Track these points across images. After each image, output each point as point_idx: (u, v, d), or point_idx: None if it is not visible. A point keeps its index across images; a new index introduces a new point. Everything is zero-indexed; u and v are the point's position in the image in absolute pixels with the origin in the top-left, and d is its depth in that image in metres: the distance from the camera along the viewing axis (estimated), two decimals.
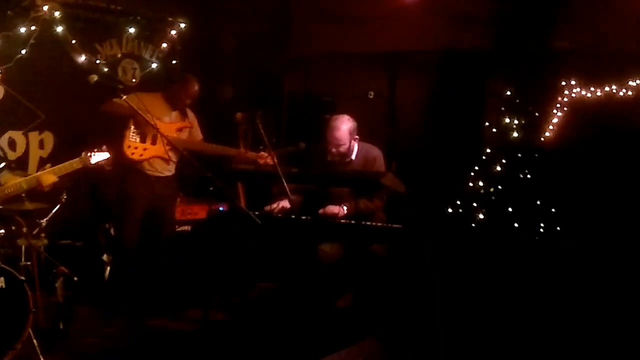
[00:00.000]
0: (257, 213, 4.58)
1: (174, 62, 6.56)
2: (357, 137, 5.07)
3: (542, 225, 6.31)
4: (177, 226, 5.85)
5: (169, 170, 5.52)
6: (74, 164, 4.29)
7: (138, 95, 5.30)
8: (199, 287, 5.43)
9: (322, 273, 5.00)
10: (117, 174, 5.28)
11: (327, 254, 5.00)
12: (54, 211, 5.05)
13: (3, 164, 4.24)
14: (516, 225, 6.30)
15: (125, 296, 5.31)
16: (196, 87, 5.49)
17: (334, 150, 5.03)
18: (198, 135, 5.63)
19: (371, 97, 7.02)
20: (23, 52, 5.58)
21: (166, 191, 5.51)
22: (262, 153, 5.51)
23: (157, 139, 5.29)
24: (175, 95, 5.45)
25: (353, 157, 5.12)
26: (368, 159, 5.10)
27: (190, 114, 5.64)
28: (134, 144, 5.25)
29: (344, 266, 4.94)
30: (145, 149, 5.28)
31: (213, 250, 5.45)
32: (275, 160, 5.07)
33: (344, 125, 5.01)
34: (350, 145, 5.05)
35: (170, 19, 6.49)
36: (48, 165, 4.21)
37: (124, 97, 4.81)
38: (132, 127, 5.28)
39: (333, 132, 5.00)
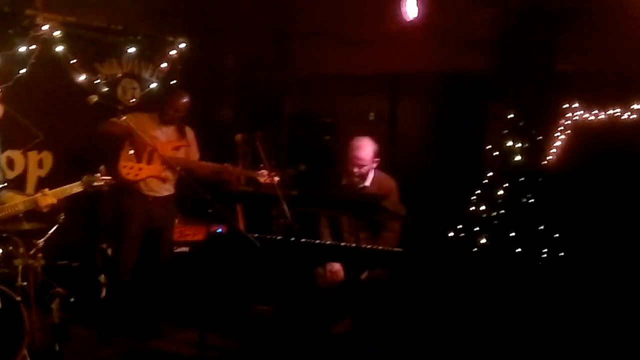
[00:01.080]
0: (256, 235, 4.62)
1: (173, 82, 6.62)
2: (377, 160, 5.16)
3: (545, 250, 6.32)
4: (175, 247, 5.90)
5: (166, 190, 5.57)
6: (74, 188, 4.33)
7: (135, 115, 5.38)
8: (196, 310, 5.45)
9: (320, 297, 5.04)
10: (114, 195, 5.31)
11: (323, 278, 5.07)
12: (51, 231, 5.06)
13: (2, 185, 4.28)
14: (519, 250, 6.31)
15: (121, 318, 5.35)
16: (183, 100, 5.54)
17: (355, 170, 5.08)
18: (195, 154, 5.68)
19: (372, 119, 7.07)
20: (23, 71, 5.65)
21: (164, 212, 5.56)
22: (263, 171, 5.56)
23: (152, 159, 5.35)
24: (165, 111, 5.50)
25: (368, 183, 5.17)
26: (383, 187, 5.13)
27: (189, 132, 5.70)
28: (129, 164, 5.31)
29: (343, 290, 4.98)
30: (140, 169, 5.35)
31: (211, 272, 5.49)
32: (276, 180, 5.16)
33: (369, 147, 5.10)
34: (369, 169, 5.13)
35: (170, 39, 6.59)
36: (46, 189, 4.24)
37: (123, 117, 4.88)
38: (128, 147, 5.35)
39: (357, 151, 5.07)
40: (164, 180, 5.46)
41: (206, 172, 5.51)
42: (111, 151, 5.36)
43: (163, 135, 5.53)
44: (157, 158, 5.34)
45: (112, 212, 5.58)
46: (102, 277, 5.76)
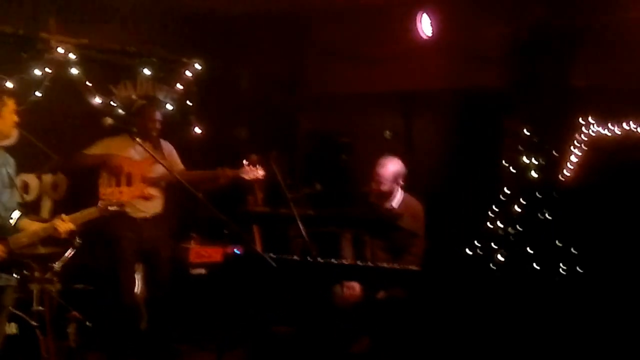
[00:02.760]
0: (272, 256, 4.54)
1: (188, 103, 6.60)
2: (401, 183, 5.14)
3: (562, 266, 6.21)
4: (191, 269, 5.84)
5: (154, 208, 5.53)
6: (92, 213, 4.25)
7: (106, 140, 5.40)
8: (214, 331, 5.38)
9: (338, 316, 4.96)
10: (101, 223, 5.23)
11: (341, 296, 5.03)
12: (67, 255, 5.04)
13: (22, 212, 4.21)
14: (536, 266, 6.21)
15: (133, 342, 5.26)
16: (155, 111, 5.56)
17: (374, 188, 5.08)
18: (177, 165, 5.60)
19: (387, 136, 7.01)
20: (37, 94, 5.62)
21: (155, 233, 5.52)
22: (246, 167, 5.52)
23: (131, 180, 5.32)
24: (140, 125, 5.47)
25: (395, 204, 5.17)
26: (409, 210, 5.13)
27: (166, 145, 5.67)
28: (108, 191, 5.18)
29: (361, 309, 4.90)
30: (121, 192, 5.24)
31: (228, 294, 5.43)
32: (261, 174, 5.01)
33: (392, 166, 5.14)
34: (392, 190, 5.11)
35: (185, 60, 6.55)
36: (63, 214, 4.15)
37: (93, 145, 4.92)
38: (104, 174, 5.33)
39: (378, 168, 5.11)
40: (148, 198, 5.36)
41: (199, 181, 5.42)
42: (89, 183, 5.35)
43: (137, 154, 5.47)
44: (137, 178, 5.31)
45: (102, 241, 5.49)
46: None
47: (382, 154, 5.32)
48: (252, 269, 5.03)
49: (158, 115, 5.58)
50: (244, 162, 5.57)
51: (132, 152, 5.50)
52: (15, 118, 4.14)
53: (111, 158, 5.27)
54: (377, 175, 5.13)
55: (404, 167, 5.22)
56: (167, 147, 5.67)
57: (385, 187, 5.11)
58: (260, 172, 5.52)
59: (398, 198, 5.22)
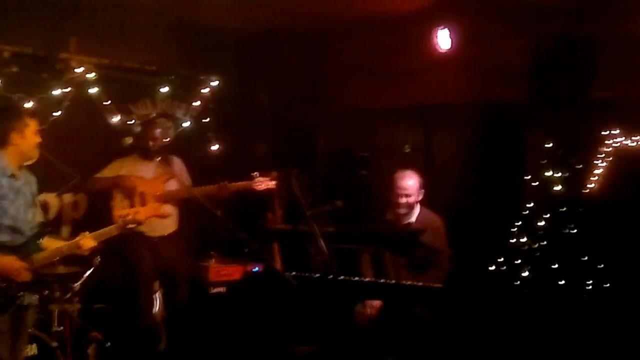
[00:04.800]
0: (293, 274, 4.49)
1: (207, 120, 6.60)
2: (420, 198, 5.09)
3: (589, 282, 6.10)
4: (211, 288, 5.80)
5: (170, 226, 5.53)
6: (113, 230, 4.28)
7: (116, 162, 5.45)
8: (233, 351, 5.34)
9: (362, 336, 4.89)
10: (120, 244, 5.23)
11: (363, 315, 4.95)
12: (87, 274, 5.02)
13: (49, 229, 4.24)
14: (562, 282, 6.11)
15: None
16: (158, 128, 5.56)
17: (402, 201, 5.01)
18: (187, 181, 5.59)
19: (407, 151, 6.96)
20: (58, 114, 5.65)
21: (172, 252, 5.50)
22: (258, 179, 5.49)
23: (145, 199, 5.32)
24: (144, 144, 5.45)
25: (413, 219, 5.08)
26: (428, 224, 5.02)
27: (176, 161, 5.65)
28: (124, 213, 5.21)
29: (384, 328, 4.83)
30: (137, 212, 5.25)
31: (249, 313, 5.38)
32: (273, 184, 5.06)
33: (414, 177, 5.07)
34: (415, 201, 5.05)
35: (202, 77, 6.56)
36: (87, 232, 4.17)
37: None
38: (117, 196, 5.34)
39: (402, 181, 5.03)
40: (164, 217, 5.36)
41: (204, 197, 5.40)
42: (108, 203, 5.37)
43: (148, 173, 5.48)
44: (150, 197, 5.31)
45: (120, 262, 5.48)
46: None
47: (402, 168, 5.26)
48: (272, 287, 5.01)
49: (160, 132, 5.57)
50: (254, 173, 5.53)
51: (143, 171, 5.50)
52: (38, 139, 4.15)
53: (122, 179, 5.31)
54: (402, 188, 5.04)
55: (421, 181, 5.16)
56: (177, 163, 5.66)
57: (412, 200, 5.04)
58: (271, 183, 5.48)
59: (416, 213, 5.15)
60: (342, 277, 4.62)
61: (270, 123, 7.14)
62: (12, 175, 4.04)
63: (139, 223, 4.43)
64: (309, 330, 5.14)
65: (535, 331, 5.48)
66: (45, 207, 5.72)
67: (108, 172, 5.48)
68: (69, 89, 5.70)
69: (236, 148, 6.72)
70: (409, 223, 5.11)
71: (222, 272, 6.00)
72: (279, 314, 5.36)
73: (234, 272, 6.01)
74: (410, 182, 5.06)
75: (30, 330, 4.24)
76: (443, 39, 6.28)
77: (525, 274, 6.22)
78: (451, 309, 4.88)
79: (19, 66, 5.48)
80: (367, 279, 5.00)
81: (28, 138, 4.09)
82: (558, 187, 6.37)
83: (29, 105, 5.48)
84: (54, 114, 5.65)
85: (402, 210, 5.08)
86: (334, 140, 7.43)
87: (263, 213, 5.99)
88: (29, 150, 4.12)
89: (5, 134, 4.04)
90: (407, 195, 5.04)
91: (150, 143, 5.47)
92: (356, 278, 4.82)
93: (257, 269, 5.82)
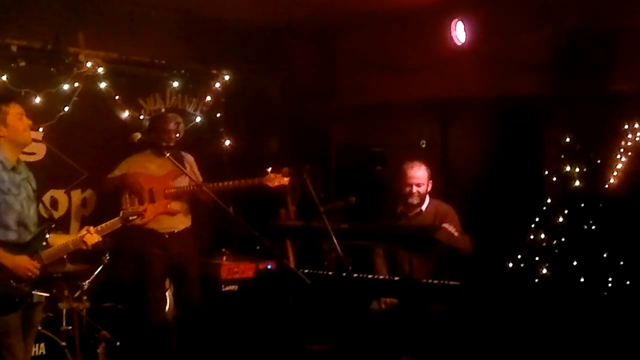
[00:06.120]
0: (306, 271, 4.43)
1: (218, 115, 6.56)
2: (429, 188, 5.17)
3: (610, 279, 6.01)
4: (223, 286, 5.75)
5: (181, 223, 5.51)
6: (115, 223, 4.23)
7: (127, 160, 5.43)
8: (246, 350, 5.31)
9: (377, 334, 4.82)
10: (131, 242, 5.26)
11: (378, 314, 4.93)
12: (96, 272, 5.01)
13: (53, 225, 4.18)
14: (582, 280, 6.02)
15: None
16: (172, 122, 5.51)
17: (414, 190, 5.07)
18: (198, 178, 5.54)
19: (423, 146, 6.90)
20: (66, 109, 5.64)
21: (183, 249, 5.48)
22: (270, 174, 5.46)
23: (154, 197, 5.30)
24: (158, 139, 5.42)
25: (424, 208, 5.16)
26: (439, 212, 5.13)
27: (187, 157, 5.62)
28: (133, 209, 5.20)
29: (400, 327, 4.76)
30: (145, 210, 5.21)
31: (261, 311, 5.34)
32: (286, 180, 5.19)
33: (424, 168, 5.14)
34: (426, 191, 5.13)
35: (214, 71, 6.53)
36: (91, 227, 4.12)
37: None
38: (126, 195, 5.31)
39: (412, 170, 5.10)
40: (173, 214, 5.35)
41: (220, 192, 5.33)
42: (114, 203, 5.35)
43: (159, 169, 5.45)
44: (159, 194, 5.31)
45: (130, 258, 5.46)
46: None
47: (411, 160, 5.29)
48: (285, 285, 4.95)
49: (173, 127, 5.52)
50: (268, 169, 5.50)
51: (153, 167, 5.47)
52: (28, 122, 4.05)
53: (130, 177, 5.30)
54: (413, 178, 5.09)
55: (431, 173, 5.21)
56: (188, 159, 5.62)
57: (423, 190, 5.09)
58: (285, 179, 5.45)
59: (426, 203, 5.20)
60: (355, 275, 4.60)
61: (282, 118, 7.12)
62: (13, 169, 3.98)
63: (141, 215, 4.41)
64: (322, 329, 5.10)
65: (554, 329, 5.44)
66: (53, 203, 5.69)
67: (118, 171, 5.47)
68: (77, 83, 5.67)
69: (248, 144, 6.68)
70: (420, 212, 5.14)
71: (234, 270, 5.95)
72: (292, 312, 5.31)
73: (246, 269, 5.96)
74: (420, 172, 5.12)
75: (38, 329, 4.22)
76: (459, 32, 6.22)
77: (544, 271, 6.16)
78: (468, 307, 4.81)
79: (27, 60, 5.45)
80: (381, 277, 4.96)
81: (12, 124, 3.96)
82: (577, 183, 6.29)
83: (37, 101, 5.46)
84: (63, 109, 5.62)
85: (414, 201, 5.13)
86: (348, 135, 7.37)
87: (276, 210, 5.95)
88: (19, 137, 4.01)
89: None
90: (417, 185, 5.10)
91: (164, 138, 5.43)
92: (370, 276, 4.80)
93: (269, 266, 5.77)
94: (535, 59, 6.29)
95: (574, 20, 6.20)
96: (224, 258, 6.02)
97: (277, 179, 5.50)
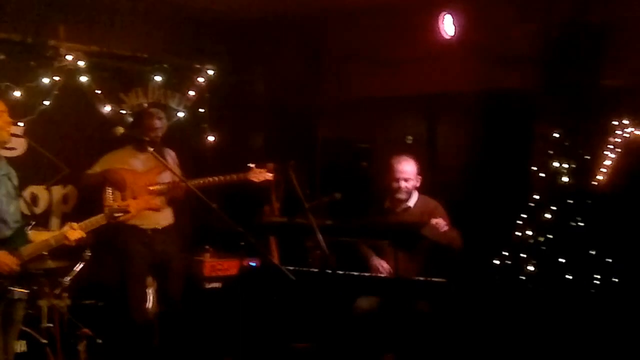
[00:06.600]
0: (290, 268, 4.52)
1: (201, 110, 6.60)
2: (417, 184, 5.24)
3: (597, 276, 6.11)
4: (206, 283, 5.82)
5: (164, 219, 5.55)
6: (99, 220, 4.27)
7: (106, 156, 5.45)
8: (229, 348, 5.36)
9: (361, 332, 4.91)
10: (111, 236, 5.28)
11: (363, 311, 4.98)
12: (77, 269, 5.04)
13: (32, 223, 4.24)
14: (569, 277, 6.12)
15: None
16: (157, 118, 5.55)
17: (402, 185, 5.13)
18: (179, 174, 5.60)
19: (409, 142, 6.96)
20: (46, 103, 5.65)
21: (165, 245, 5.52)
22: (254, 169, 5.55)
23: (137, 192, 5.32)
24: (143, 134, 5.43)
25: (411, 204, 5.22)
26: (428, 207, 5.19)
27: (170, 153, 5.67)
28: (114, 205, 5.24)
29: (384, 324, 4.84)
30: (127, 206, 5.25)
31: (245, 309, 5.40)
32: (270, 176, 5.22)
33: (412, 162, 5.21)
34: (414, 186, 5.19)
35: (197, 66, 6.55)
36: (74, 223, 4.17)
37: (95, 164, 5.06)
38: (108, 190, 5.34)
39: (400, 165, 5.16)
40: (157, 210, 5.37)
41: (203, 188, 5.37)
42: (98, 196, 5.39)
43: (141, 165, 5.49)
44: (142, 190, 5.33)
45: (112, 255, 5.50)
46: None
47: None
48: (269, 282, 4.99)
49: (159, 123, 5.57)
50: (251, 165, 5.56)
51: (135, 163, 5.51)
52: (7, 119, 4.06)
53: (111, 173, 5.32)
54: (401, 172, 5.16)
55: (418, 168, 5.26)
56: (170, 154, 5.67)
57: (411, 184, 5.16)
58: (269, 175, 5.52)
59: (414, 198, 5.25)
60: (340, 272, 4.69)
61: (267, 113, 7.14)
62: None
63: (126, 212, 4.44)
64: (307, 326, 5.17)
65: (540, 327, 5.48)
66: (34, 199, 5.71)
67: (98, 167, 5.47)
68: (58, 77, 5.68)
69: (232, 139, 6.71)
70: (407, 208, 5.18)
71: (218, 267, 6.00)
72: (276, 309, 5.39)
73: (230, 266, 6.01)
74: (408, 167, 5.18)
75: (20, 326, 4.24)
76: (447, 26, 6.24)
77: (531, 268, 6.23)
78: (454, 304, 4.90)
79: (6, 54, 5.46)
80: (366, 274, 5.03)
81: None
82: (565, 179, 6.35)
83: (17, 94, 5.48)
84: (43, 103, 5.64)
85: (402, 196, 5.18)
86: (334, 130, 7.38)
87: (260, 206, 6.01)
88: None
89: None
90: (405, 180, 5.16)
91: (147, 134, 5.45)
92: (355, 273, 4.83)
93: (253, 263, 5.83)
94: (524, 52, 6.30)
95: (564, 14, 6.23)
96: (207, 255, 6.06)
97: (262, 175, 5.56)
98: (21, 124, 5.54)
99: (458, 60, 6.35)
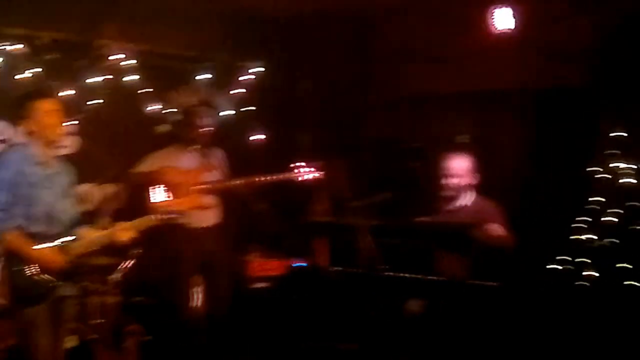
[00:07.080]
0: (339, 269, 4.58)
1: (249, 108, 6.69)
2: (473, 182, 5.20)
3: None
4: (254, 283, 5.91)
5: (213, 217, 5.62)
6: (152, 220, 4.37)
7: (155, 154, 5.54)
8: (277, 349, 5.44)
9: (409, 334, 4.97)
10: (160, 234, 5.27)
11: (413, 313, 4.97)
12: (127, 266, 5.19)
13: (83, 219, 4.37)
14: (630, 282, 6.06)
15: (194, 358, 5.38)
16: (204, 116, 5.62)
17: (451, 182, 5.13)
18: (227, 173, 5.68)
19: (462, 141, 6.95)
20: (97, 101, 5.83)
21: (216, 244, 5.60)
22: (303, 170, 5.58)
23: (184, 191, 5.41)
24: (189, 133, 5.55)
25: (469, 202, 5.20)
26: (483, 210, 5.13)
27: (218, 152, 5.73)
28: (163, 204, 5.31)
29: (434, 327, 4.86)
30: (177, 204, 5.30)
31: (292, 309, 5.48)
32: (318, 175, 5.26)
33: (465, 160, 5.20)
34: (465, 187, 5.16)
35: (245, 63, 6.66)
36: (126, 223, 4.31)
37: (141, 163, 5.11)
38: (156, 189, 5.45)
39: (450, 162, 5.16)
40: (204, 208, 5.48)
41: (240, 190, 5.53)
42: (146, 198, 5.50)
43: (190, 163, 5.58)
44: (190, 189, 5.42)
45: (160, 254, 5.61)
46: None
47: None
48: (317, 282, 5.08)
49: (206, 122, 5.65)
50: (300, 164, 5.61)
51: (184, 161, 5.59)
52: (60, 118, 4.17)
53: (159, 173, 5.42)
54: (447, 169, 5.16)
55: (473, 165, 5.24)
56: (217, 154, 5.76)
57: (463, 182, 5.14)
58: (317, 174, 5.55)
59: (470, 197, 5.22)
60: (389, 273, 4.74)
61: (316, 111, 7.16)
62: (42, 164, 4.13)
63: (179, 213, 4.54)
64: (354, 328, 5.23)
65: (601, 335, 5.38)
66: (85, 197, 5.87)
67: (145, 166, 5.59)
68: (108, 76, 5.86)
69: (280, 137, 6.78)
70: (462, 207, 5.16)
71: (265, 267, 6.08)
72: (324, 310, 5.46)
73: (277, 267, 6.08)
74: (459, 163, 5.17)
75: (70, 322, 4.37)
76: (500, 20, 6.13)
77: (590, 273, 6.18)
78: (509, 310, 4.87)
79: (58, 53, 5.65)
80: (415, 275, 5.05)
81: (42, 121, 4.11)
82: (628, 179, 6.29)
83: (67, 93, 5.67)
84: (95, 101, 5.82)
85: (451, 192, 5.17)
86: (383, 129, 7.37)
87: (308, 205, 6.08)
88: (48, 133, 4.14)
89: (26, 123, 4.15)
90: (456, 176, 5.14)
91: (195, 133, 5.56)
92: (405, 274, 4.78)
93: (301, 263, 5.90)
94: (582, 46, 6.21)
95: (624, 5, 6.20)
96: (255, 255, 6.17)
97: (310, 174, 5.68)
98: (73, 122, 5.70)
99: (512, 56, 6.29)
